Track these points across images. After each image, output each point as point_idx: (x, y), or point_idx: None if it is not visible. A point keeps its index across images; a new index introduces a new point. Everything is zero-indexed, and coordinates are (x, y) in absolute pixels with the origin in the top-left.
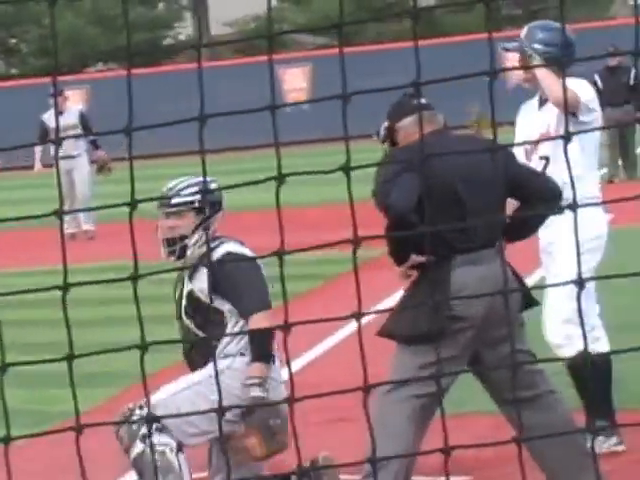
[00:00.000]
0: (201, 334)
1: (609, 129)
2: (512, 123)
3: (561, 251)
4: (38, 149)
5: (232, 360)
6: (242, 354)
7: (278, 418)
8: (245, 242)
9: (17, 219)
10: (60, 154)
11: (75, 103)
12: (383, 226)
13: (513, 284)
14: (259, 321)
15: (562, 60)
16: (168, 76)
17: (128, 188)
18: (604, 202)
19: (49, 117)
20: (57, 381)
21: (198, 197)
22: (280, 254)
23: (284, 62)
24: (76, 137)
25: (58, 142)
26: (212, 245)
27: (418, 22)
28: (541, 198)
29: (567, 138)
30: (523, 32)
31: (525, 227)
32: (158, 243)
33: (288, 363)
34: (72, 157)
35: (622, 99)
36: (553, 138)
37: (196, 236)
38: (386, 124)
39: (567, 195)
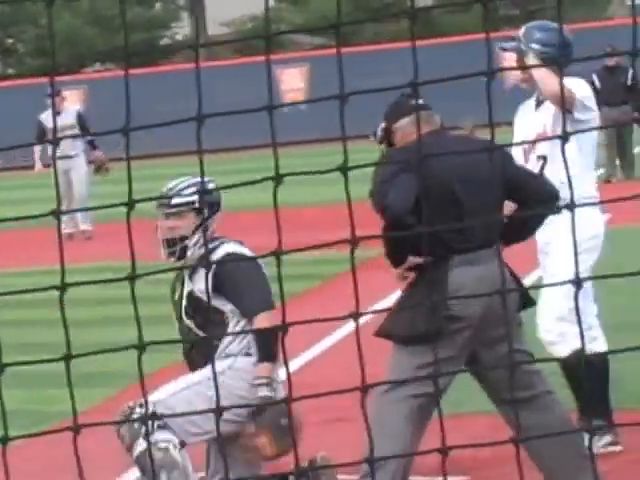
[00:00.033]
0: (202, 334)
1: (606, 129)
2: (510, 123)
3: (558, 250)
4: (37, 149)
5: (233, 360)
6: (245, 354)
7: (288, 417)
8: (243, 242)
9: (15, 219)
10: (58, 154)
11: (72, 103)
12: (380, 227)
13: (511, 284)
14: (263, 321)
15: (560, 60)
16: (165, 76)
17: (126, 188)
18: (602, 202)
19: (46, 117)
20: (55, 381)
21: (198, 197)
22: (277, 254)
23: (281, 62)
24: (74, 137)
25: (55, 142)
26: (212, 245)
27: (416, 22)
28: (538, 200)
29: (565, 138)
30: (521, 32)
31: (523, 229)
32: (157, 244)
33: (286, 363)
34: (69, 157)
35: (620, 99)
36: (551, 138)
37: (196, 237)
38: (383, 125)
39: (564, 195)
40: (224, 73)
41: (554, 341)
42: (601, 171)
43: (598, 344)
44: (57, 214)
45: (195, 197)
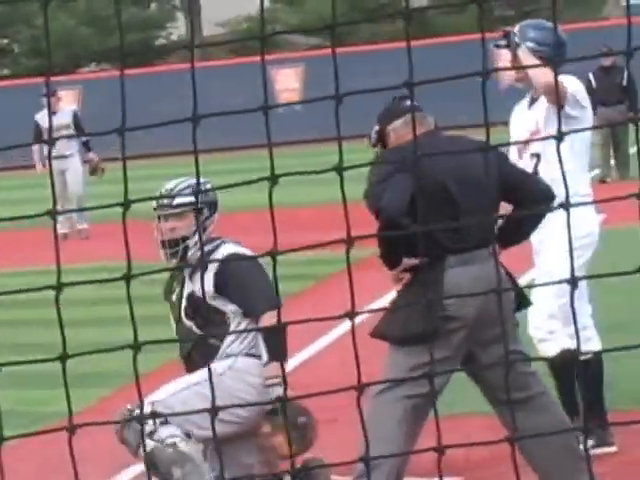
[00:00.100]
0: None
1: (601, 129)
2: (505, 123)
3: (550, 248)
4: (36, 149)
5: (234, 360)
6: (245, 354)
7: (304, 416)
8: (240, 242)
9: (10, 219)
10: (53, 154)
11: (68, 104)
12: (375, 227)
13: (506, 285)
14: (270, 320)
15: (554, 59)
16: (161, 76)
17: (121, 188)
18: (597, 201)
19: (42, 117)
20: (49, 381)
21: (198, 198)
22: (273, 254)
23: (277, 62)
24: (69, 137)
25: (51, 142)
26: (213, 245)
27: (411, 23)
28: (534, 200)
29: (559, 138)
30: (515, 29)
31: (519, 230)
32: (156, 245)
33: (279, 362)
34: (65, 157)
35: (615, 99)
36: (546, 138)
37: (196, 237)
38: (377, 128)
39: (558, 192)
40: (219, 73)
41: (543, 338)
42: (596, 171)
43: (592, 344)
44: (53, 214)
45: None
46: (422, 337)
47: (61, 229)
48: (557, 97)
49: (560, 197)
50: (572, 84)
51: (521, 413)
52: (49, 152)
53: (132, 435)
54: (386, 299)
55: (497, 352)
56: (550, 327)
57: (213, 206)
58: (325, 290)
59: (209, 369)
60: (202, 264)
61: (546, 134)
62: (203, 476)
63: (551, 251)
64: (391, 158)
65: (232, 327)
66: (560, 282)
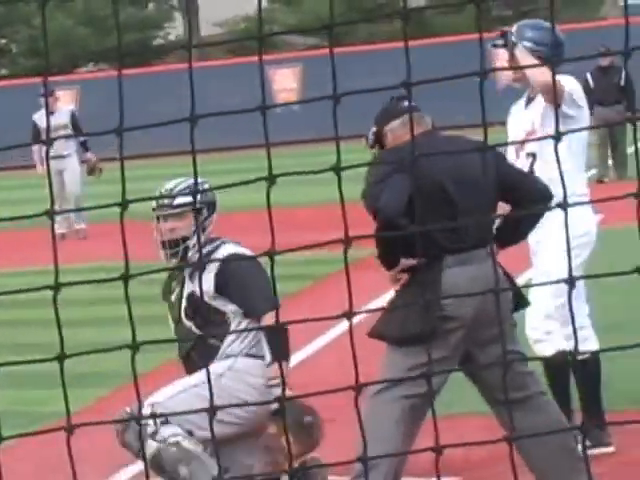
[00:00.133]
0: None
1: (599, 128)
2: (502, 123)
3: (548, 248)
4: (36, 150)
5: (233, 361)
6: (245, 355)
7: (310, 415)
8: (241, 243)
9: (9, 219)
10: (51, 154)
11: (65, 104)
12: (373, 227)
13: (504, 284)
14: (271, 321)
15: (552, 60)
16: (158, 76)
17: (119, 188)
18: (595, 201)
19: (40, 117)
20: (47, 381)
21: (198, 198)
22: (271, 254)
23: (274, 62)
24: (67, 137)
25: (49, 142)
26: (213, 246)
27: (408, 23)
28: (531, 200)
29: (557, 138)
30: (513, 29)
31: (517, 230)
32: (156, 245)
33: (279, 363)
34: (62, 157)
35: (613, 99)
36: (545, 137)
37: (196, 237)
38: (374, 129)
39: (555, 192)
40: (216, 73)
41: (539, 339)
42: (593, 171)
43: (590, 344)
44: (51, 214)
45: (196, 197)
46: (420, 337)
47: (59, 229)
48: (555, 97)
49: (557, 197)
50: (569, 84)
51: (519, 413)
52: (47, 152)
53: (133, 437)
54: (384, 299)
55: (495, 352)
56: (547, 328)
57: (212, 206)
58: (323, 290)
59: (207, 370)
60: (200, 264)
61: (542, 134)
62: (210, 472)
63: (548, 251)
64: (389, 158)
65: (232, 327)
66: (557, 282)
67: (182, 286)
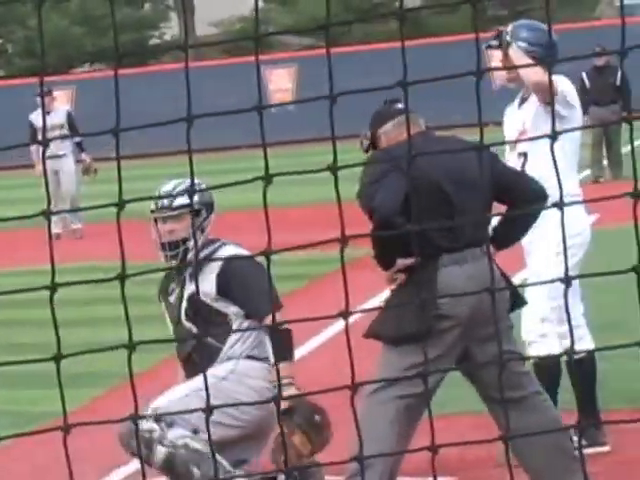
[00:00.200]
0: (204, 337)
1: (593, 129)
2: (497, 123)
3: (540, 248)
4: (34, 149)
5: (235, 363)
6: (246, 356)
7: (319, 414)
8: (241, 244)
9: (4, 220)
10: (47, 154)
11: (61, 104)
12: (369, 227)
13: (501, 284)
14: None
15: (546, 60)
16: (154, 76)
17: (115, 188)
18: (591, 200)
19: (36, 117)
20: (42, 381)
21: (196, 199)
22: (267, 254)
23: (270, 63)
24: (63, 137)
25: (45, 142)
26: (213, 247)
27: (404, 23)
28: (526, 200)
29: (554, 137)
30: (507, 29)
31: (512, 231)
32: (155, 247)
33: (276, 362)
34: (58, 157)
35: (609, 99)
36: (538, 137)
37: (195, 238)
38: (368, 133)
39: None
40: (212, 73)
41: (534, 341)
42: (587, 172)
43: (585, 343)
44: (47, 214)
45: (195, 199)
46: (415, 336)
47: (54, 229)
48: (551, 98)
49: (549, 197)
50: (562, 84)
51: (514, 412)
52: (43, 152)
53: (140, 445)
54: (380, 299)
55: (491, 351)
56: (542, 330)
57: (210, 207)
58: (319, 290)
59: (204, 375)
60: (196, 265)
61: (533, 134)
62: (221, 470)
63: (540, 251)
64: (383, 159)
65: (233, 329)
66: (553, 281)
67: (182, 287)
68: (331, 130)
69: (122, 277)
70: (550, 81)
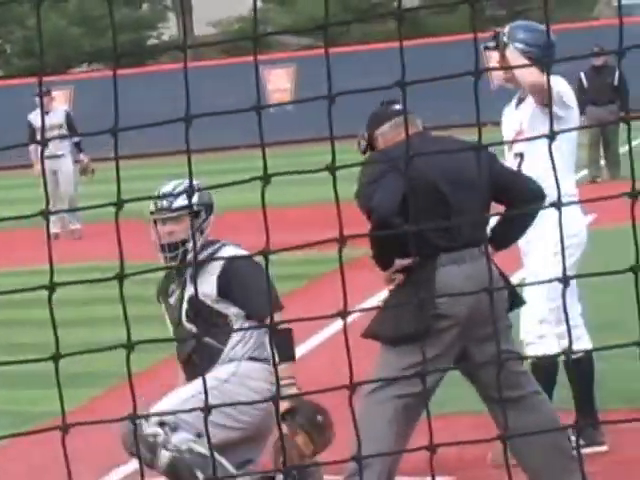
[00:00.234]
0: (205, 339)
1: (590, 129)
2: (495, 123)
3: (537, 248)
4: (33, 149)
5: (237, 365)
6: (248, 358)
7: (322, 415)
8: (241, 245)
9: (2, 219)
10: (46, 154)
11: (60, 104)
12: (367, 227)
13: (499, 283)
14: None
15: (544, 60)
16: (153, 76)
17: (114, 188)
18: (589, 200)
19: (35, 117)
20: (40, 381)
21: (195, 201)
22: (266, 253)
23: (268, 63)
24: (61, 137)
25: (43, 142)
26: (213, 248)
27: (403, 23)
28: (523, 200)
29: (552, 137)
30: (505, 30)
31: (510, 231)
32: (154, 248)
33: (274, 362)
34: (57, 157)
35: (606, 98)
36: (535, 137)
37: (195, 239)
38: (365, 134)
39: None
40: (211, 73)
41: (532, 342)
42: (584, 172)
43: (582, 343)
44: (46, 214)
45: (194, 200)
46: (414, 336)
47: (53, 229)
48: (549, 99)
49: (548, 198)
50: (558, 84)
51: (513, 412)
52: (41, 152)
53: (145, 448)
54: (378, 299)
55: (490, 350)
56: (540, 332)
57: (210, 208)
58: (317, 290)
59: (203, 378)
60: (195, 267)
61: (529, 134)
62: (226, 473)
63: (538, 251)
64: (381, 160)
65: (235, 330)
66: (550, 281)
67: (183, 289)
68: (329, 130)
69: (120, 277)
70: (548, 83)
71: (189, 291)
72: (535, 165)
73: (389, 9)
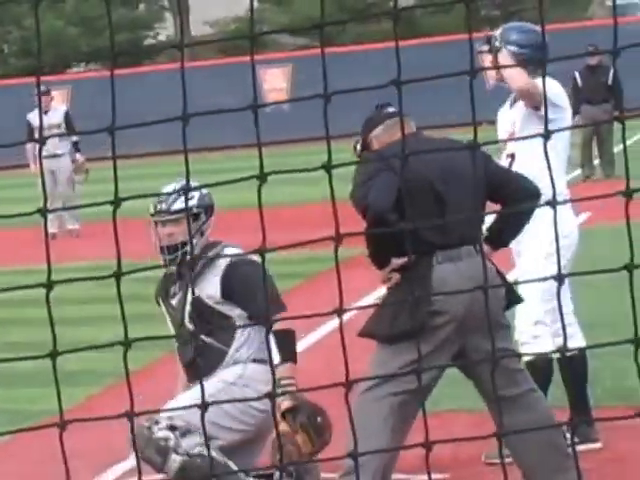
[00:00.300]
0: (209, 340)
1: (583, 128)
2: (491, 122)
3: (530, 249)
4: (29, 148)
5: (243, 367)
6: (252, 360)
7: (321, 416)
8: (239, 245)
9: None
10: (44, 153)
11: (58, 103)
12: (363, 226)
13: (496, 281)
14: (279, 323)
15: (537, 61)
16: (149, 77)
17: (112, 188)
18: (584, 199)
19: (34, 117)
20: (38, 380)
21: (195, 203)
22: (262, 252)
23: (264, 62)
24: (60, 136)
25: (42, 141)
26: (215, 250)
27: (398, 23)
28: (518, 199)
29: (547, 136)
30: (497, 32)
31: (506, 230)
32: (155, 250)
33: (270, 361)
34: (55, 157)
35: (601, 98)
36: (534, 136)
37: (194, 241)
38: (360, 138)
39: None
40: (207, 73)
41: (526, 342)
42: (577, 172)
43: (576, 341)
44: (43, 213)
45: (194, 202)
46: (409, 334)
47: (50, 228)
48: (545, 102)
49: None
50: (550, 87)
51: (509, 410)
52: (39, 151)
53: (154, 452)
54: (373, 297)
55: (486, 348)
56: (535, 332)
57: (210, 210)
58: (313, 288)
59: (201, 385)
60: (191, 268)
61: (520, 136)
62: (235, 474)
63: (531, 252)
64: (375, 160)
65: (238, 332)
66: (546, 279)
67: (185, 290)
68: (325, 129)
69: (118, 275)
70: (544, 82)
71: (192, 293)
72: (526, 166)
73: (384, 9)
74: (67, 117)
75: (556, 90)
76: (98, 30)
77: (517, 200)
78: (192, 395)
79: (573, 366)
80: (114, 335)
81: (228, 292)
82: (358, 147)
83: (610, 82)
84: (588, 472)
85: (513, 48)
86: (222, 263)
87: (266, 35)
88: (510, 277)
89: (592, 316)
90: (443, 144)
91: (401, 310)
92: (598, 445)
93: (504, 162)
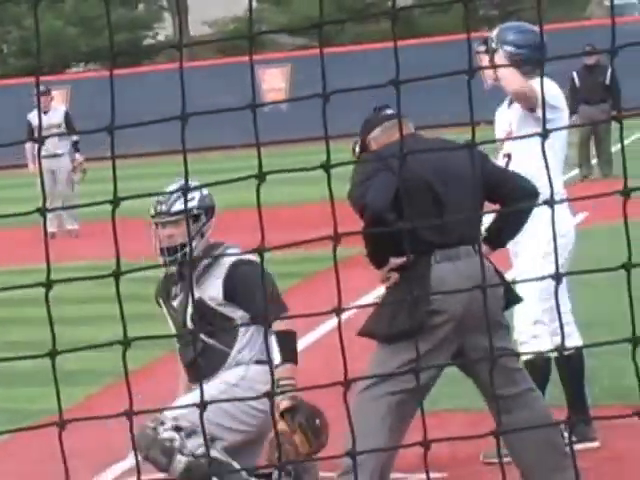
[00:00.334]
0: (211, 342)
1: (580, 128)
2: (489, 122)
3: (527, 249)
4: (29, 148)
5: (245, 369)
6: (255, 361)
7: (318, 418)
8: (239, 245)
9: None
10: (44, 153)
11: (57, 103)
12: (361, 226)
13: (494, 281)
14: (280, 324)
15: (535, 61)
16: (148, 77)
17: (111, 187)
18: (582, 198)
19: (34, 117)
20: (37, 379)
21: (196, 204)
22: (260, 251)
23: (263, 62)
24: (60, 135)
25: (41, 141)
26: (217, 251)
27: (396, 23)
28: (515, 198)
29: (544, 136)
30: (494, 33)
31: (505, 229)
32: (155, 252)
33: (269, 360)
34: (55, 156)
35: (598, 97)
36: (531, 135)
37: (194, 243)
38: (358, 141)
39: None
40: (206, 73)
41: (525, 341)
42: (575, 171)
43: (573, 340)
44: (43, 212)
45: (194, 203)
46: (408, 333)
47: (49, 228)
48: (542, 99)
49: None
50: (546, 89)
51: (507, 409)
52: (39, 150)
53: (159, 453)
54: (372, 297)
55: (485, 347)
56: (534, 332)
57: (210, 211)
58: (312, 288)
59: (201, 386)
60: (190, 268)
61: (516, 136)
62: (239, 474)
63: (529, 251)
64: (373, 159)
65: (240, 334)
66: (544, 278)
67: (187, 292)
68: (324, 129)
69: (117, 274)
70: (542, 82)
71: (195, 295)
72: (522, 166)
73: (382, 9)
74: (67, 117)
75: (554, 92)
76: (97, 30)
77: (515, 199)
78: (195, 397)
79: (571, 365)
80: (113, 334)
81: (230, 294)
82: (357, 149)
83: (608, 82)
84: (586, 471)
85: (510, 48)
86: (224, 265)
87: (265, 35)
88: (508, 277)
89: (590, 315)
90: (441, 145)
91: (400, 309)
92: (596, 444)
93: (501, 162)
